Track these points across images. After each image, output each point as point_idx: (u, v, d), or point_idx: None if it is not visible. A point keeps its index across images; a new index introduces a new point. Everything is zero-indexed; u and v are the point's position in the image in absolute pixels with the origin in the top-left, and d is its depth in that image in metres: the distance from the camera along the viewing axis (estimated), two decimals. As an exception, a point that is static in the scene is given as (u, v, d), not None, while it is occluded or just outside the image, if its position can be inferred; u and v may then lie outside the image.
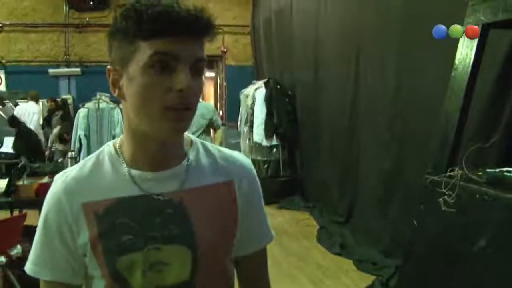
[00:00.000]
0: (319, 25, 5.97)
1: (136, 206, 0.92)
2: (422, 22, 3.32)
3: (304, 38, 6.58)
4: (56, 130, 6.88)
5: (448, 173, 2.30)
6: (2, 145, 7.73)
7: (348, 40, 5.10)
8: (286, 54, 7.37)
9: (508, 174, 2.14)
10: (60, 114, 8.45)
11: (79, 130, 6.79)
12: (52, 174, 3.90)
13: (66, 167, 4.32)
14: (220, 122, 5.48)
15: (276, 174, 7.08)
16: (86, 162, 0.97)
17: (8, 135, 7.50)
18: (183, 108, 0.86)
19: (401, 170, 4.06)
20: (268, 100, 6.98)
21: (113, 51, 0.89)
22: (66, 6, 9.35)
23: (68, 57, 9.48)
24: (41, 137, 7.82)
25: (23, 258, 2.84)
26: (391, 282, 3.64)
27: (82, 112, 6.87)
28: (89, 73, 9.37)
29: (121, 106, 6.88)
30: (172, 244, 0.93)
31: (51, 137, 7.02)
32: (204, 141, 1.06)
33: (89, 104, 6.91)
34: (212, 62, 10.08)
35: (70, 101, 9.19)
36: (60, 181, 0.95)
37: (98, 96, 6.86)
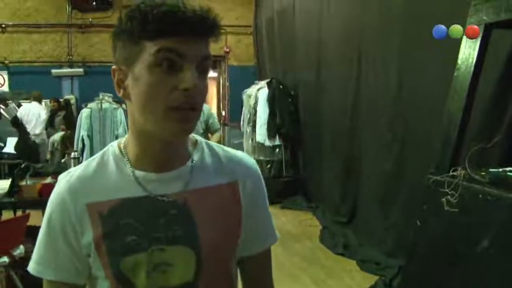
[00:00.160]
0: (322, 25, 5.97)
1: (140, 207, 0.92)
2: (424, 22, 3.31)
3: (306, 38, 6.58)
4: (57, 136, 6.78)
5: (451, 173, 2.30)
6: (5, 145, 7.75)
7: (350, 40, 5.10)
8: (289, 54, 7.36)
9: (511, 174, 2.14)
10: (63, 115, 8.46)
11: (82, 130, 6.79)
12: (55, 174, 3.91)
13: (69, 167, 4.33)
14: (217, 126, 5.07)
15: (279, 174, 7.08)
16: (91, 162, 0.97)
17: (12, 135, 7.52)
18: (189, 108, 0.85)
19: (403, 170, 4.06)
20: (271, 100, 6.98)
21: (118, 51, 0.89)
22: (69, 6, 9.35)
23: (71, 57, 9.48)
24: (44, 137, 7.82)
25: (26, 259, 2.84)
26: (394, 282, 3.64)
27: (85, 112, 6.88)
28: (92, 74, 9.38)
29: (124, 106, 6.93)
30: (176, 245, 0.93)
31: (51, 142, 6.90)
32: (210, 141, 1.06)
33: (92, 104, 6.91)
34: (215, 62, 10.07)
35: (73, 101, 9.21)
36: (64, 180, 0.95)
37: (101, 96, 6.86)
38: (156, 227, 0.92)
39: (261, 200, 1.06)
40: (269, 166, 7.12)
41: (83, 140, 6.74)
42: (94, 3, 9.19)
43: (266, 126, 6.98)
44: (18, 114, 7.59)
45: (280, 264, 4.22)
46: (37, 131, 7.67)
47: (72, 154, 4.57)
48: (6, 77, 9.25)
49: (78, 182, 0.94)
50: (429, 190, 2.45)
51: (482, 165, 2.36)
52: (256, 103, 7.22)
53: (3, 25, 9.09)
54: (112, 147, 0.99)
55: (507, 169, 2.19)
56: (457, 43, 2.47)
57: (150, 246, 0.91)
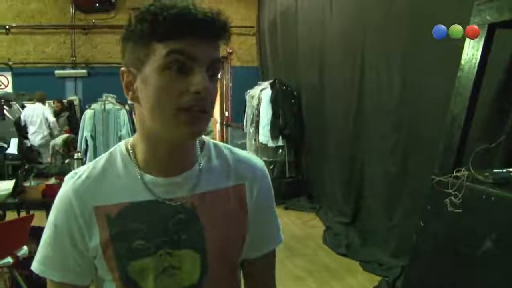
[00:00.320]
0: (324, 26, 5.96)
1: (148, 211, 0.92)
2: (428, 23, 3.29)
3: (309, 39, 6.58)
4: (59, 139, 6.72)
5: (454, 174, 2.29)
6: (9, 146, 7.77)
7: (353, 41, 5.09)
8: (292, 55, 7.37)
9: (515, 174, 2.13)
10: (66, 115, 8.49)
11: (85, 131, 6.82)
12: (59, 175, 3.92)
13: (73, 168, 4.34)
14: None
15: (282, 175, 7.08)
16: (97, 163, 0.96)
17: (15, 136, 7.54)
18: (199, 110, 0.84)
19: (406, 170, 4.05)
20: (274, 101, 6.99)
21: (127, 53, 0.88)
22: (72, 8, 9.39)
23: (74, 58, 9.51)
24: (48, 138, 7.82)
25: (30, 259, 2.85)
26: (397, 283, 3.63)
27: (88, 113, 6.90)
28: (95, 75, 9.42)
29: (127, 107, 6.94)
30: (183, 249, 0.93)
31: (52, 145, 6.87)
32: (217, 142, 1.05)
33: (95, 105, 6.93)
34: (218, 62, 10.08)
35: (76, 102, 9.25)
36: (71, 182, 0.94)
37: (104, 97, 6.88)
38: (164, 231, 0.92)
39: (268, 202, 1.06)
40: (272, 167, 7.12)
41: (86, 141, 6.76)
42: (97, 4, 9.21)
43: (269, 127, 6.99)
44: (22, 116, 7.62)
45: (282, 265, 4.22)
46: (42, 132, 7.68)
47: (76, 155, 4.57)
48: (9, 78, 9.29)
49: (85, 184, 0.93)
50: (432, 190, 2.44)
51: (486, 165, 2.35)
52: (259, 103, 7.23)
53: (7, 27, 9.13)
54: (120, 147, 0.98)
55: (511, 169, 2.18)
56: (460, 43, 2.47)
57: (157, 250, 0.91)
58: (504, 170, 2.21)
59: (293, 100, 7.05)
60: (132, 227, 0.91)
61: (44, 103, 8.00)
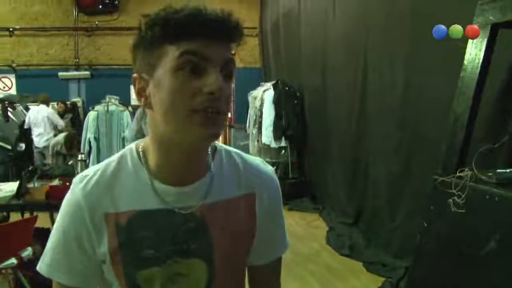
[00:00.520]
0: (327, 27, 5.96)
1: (158, 220, 0.91)
2: (430, 24, 3.28)
3: (311, 40, 6.58)
4: (60, 137, 6.70)
5: (457, 174, 2.29)
6: (13, 148, 7.78)
7: (356, 42, 5.08)
8: (294, 56, 7.37)
9: (518, 174, 2.13)
10: (70, 117, 8.51)
11: (88, 132, 6.84)
12: (63, 176, 3.93)
13: (76, 169, 4.35)
14: None
15: (285, 175, 7.07)
16: (108, 167, 0.95)
17: (19, 138, 7.57)
18: (214, 111, 0.82)
19: (409, 171, 4.04)
20: (277, 102, 6.98)
21: (138, 60, 0.87)
22: (75, 10, 9.42)
23: (77, 60, 9.55)
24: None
25: (34, 261, 2.86)
26: (401, 284, 3.63)
27: (91, 114, 6.93)
28: (98, 76, 9.46)
29: (130, 109, 6.95)
30: (192, 258, 0.93)
31: (52, 145, 6.87)
32: (229, 148, 1.04)
33: (98, 107, 6.96)
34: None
35: (79, 104, 9.27)
36: (80, 186, 0.93)
37: (107, 99, 6.91)
38: (173, 240, 0.91)
39: (276, 210, 1.05)
40: (275, 167, 7.11)
41: (89, 142, 6.78)
42: (100, 7, 9.25)
43: (272, 128, 6.99)
44: (27, 118, 7.64)
45: (286, 265, 4.17)
46: (46, 134, 7.69)
47: (79, 157, 4.58)
48: (13, 80, 9.33)
49: (95, 190, 0.92)
50: (435, 191, 2.44)
51: (489, 165, 2.34)
52: (262, 104, 7.23)
53: (11, 29, 9.17)
54: (131, 151, 0.96)
55: (514, 169, 2.18)
56: (461, 44, 2.46)
57: (166, 259, 0.91)
58: (508, 170, 2.20)
59: (295, 101, 7.04)
60: (141, 235, 0.90)
61: (48, 105, 8.02)
